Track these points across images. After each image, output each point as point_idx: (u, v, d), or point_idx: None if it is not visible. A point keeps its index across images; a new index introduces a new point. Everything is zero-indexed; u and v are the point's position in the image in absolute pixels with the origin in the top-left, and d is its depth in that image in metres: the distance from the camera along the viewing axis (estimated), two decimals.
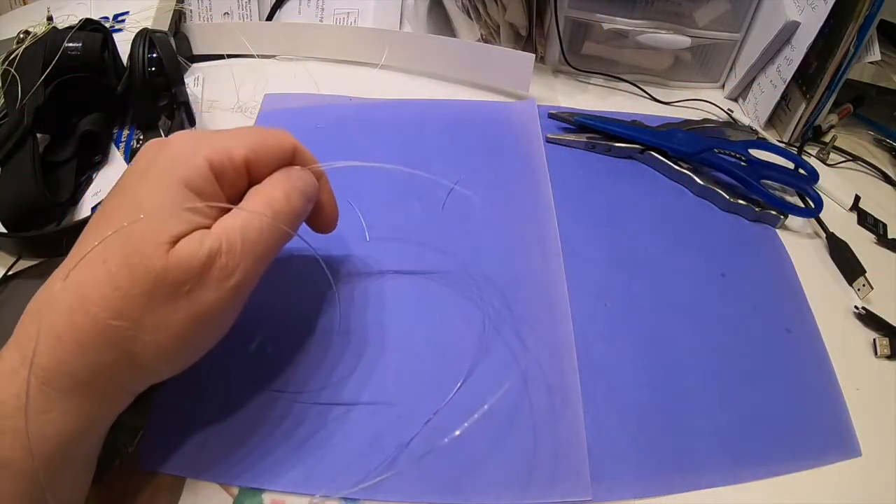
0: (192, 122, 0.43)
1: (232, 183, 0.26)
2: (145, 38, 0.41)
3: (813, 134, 0.50)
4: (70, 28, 0.42)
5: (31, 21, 0.50)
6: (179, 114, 0.41)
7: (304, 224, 0.30)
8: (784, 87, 0.48)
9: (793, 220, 0.43)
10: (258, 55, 0.54)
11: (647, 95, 0.54)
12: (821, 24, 0.43)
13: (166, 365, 0.25)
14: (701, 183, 0.44)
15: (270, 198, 0.26)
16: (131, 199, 0.24)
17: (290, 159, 0.28)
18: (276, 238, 0.25)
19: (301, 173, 0.28)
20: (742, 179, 0.44)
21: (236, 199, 0.26)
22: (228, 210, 0.25)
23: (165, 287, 0.22)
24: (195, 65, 0.54)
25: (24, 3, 0.55)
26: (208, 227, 0.24)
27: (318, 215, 0.30)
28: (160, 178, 0.24)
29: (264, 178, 0.26)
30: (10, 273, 0.36)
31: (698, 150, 0.45)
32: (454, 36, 0.55)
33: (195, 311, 0.23)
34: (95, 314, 0.22)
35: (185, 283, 0.23)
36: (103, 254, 0.23)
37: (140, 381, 0.25)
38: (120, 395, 0.25)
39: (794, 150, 0.49)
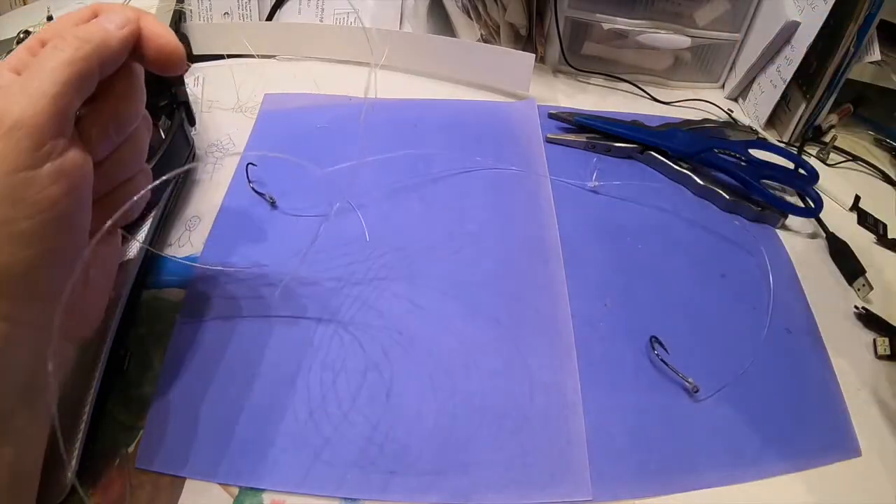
0: (192, 122, 0.43)
1: None
2: None
3: (813, 134, 0.50)
4: None
5: (31, 21, 0.50)
6: (179, 114, 0.41)
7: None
8: (784, 87, 0.48)
9: (793, 220, 0.43)
10: (258, 55, 0.54)
11: (647, 95, 0.54)
12: (821, 24, 0.43)
13: None
14: (701, 183, 0.44)
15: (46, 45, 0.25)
16: None
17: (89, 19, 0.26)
18: (54, 70, 0.23)
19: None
20: (742, 179, 0.44)
21: None
22: None
23: None
24: (195, 65, 0.53)
25: (24, 3, 0.56)
26: None
27: (145, 49, 0.26)
28: None
29: None
30: None
31: (698, 150, 0.45)
32: (454, 36, 0.55)
33: None
34: None
35: None
36: None
37: None
38: None
39: (794, 150, 0.49)
